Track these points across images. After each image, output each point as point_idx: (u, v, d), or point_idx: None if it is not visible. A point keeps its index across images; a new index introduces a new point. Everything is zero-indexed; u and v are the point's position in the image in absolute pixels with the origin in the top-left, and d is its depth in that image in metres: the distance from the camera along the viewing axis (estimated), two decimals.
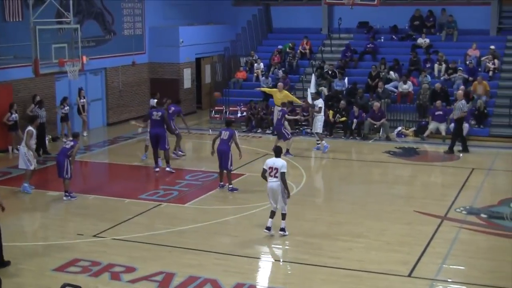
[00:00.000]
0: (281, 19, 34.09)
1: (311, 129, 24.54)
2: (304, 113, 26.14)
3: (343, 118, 25.46)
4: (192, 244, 13.98)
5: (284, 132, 22.02)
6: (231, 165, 18.16)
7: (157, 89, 30.27)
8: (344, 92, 27.61)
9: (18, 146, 23.07)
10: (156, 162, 20.33)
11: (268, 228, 14.35)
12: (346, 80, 28.25)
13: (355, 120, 25.20)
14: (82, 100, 25.37)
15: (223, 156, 18.09)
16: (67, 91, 25.56)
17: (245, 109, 27.41)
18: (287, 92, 25.51)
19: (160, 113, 20.01)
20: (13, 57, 22.22)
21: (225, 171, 18.22)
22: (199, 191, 18.41)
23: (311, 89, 27.88)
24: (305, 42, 31.46)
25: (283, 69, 30.20)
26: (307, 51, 31.30)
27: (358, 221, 15.66)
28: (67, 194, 17.38)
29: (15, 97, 23.44)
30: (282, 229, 14.40)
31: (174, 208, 16.86)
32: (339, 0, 27.61)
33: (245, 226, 15.36)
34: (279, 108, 23.50)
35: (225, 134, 18.27)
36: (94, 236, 14.59)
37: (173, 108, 21.97)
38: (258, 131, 26.38)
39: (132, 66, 29.81)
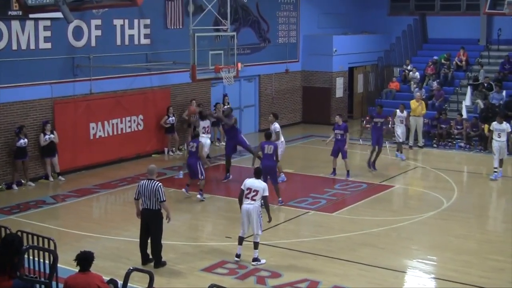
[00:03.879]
0: (437, 29, 33.31)
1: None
2: (458, 127, 25.45)
3: None
4: (338, 254, 13.97)
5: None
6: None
7: (308, 97, 30.58)
8: (501, 105, 26.59)
9: (173, 149, 24.08)
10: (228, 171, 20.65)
11: (238, 256, 13.41)
12: (504, 93, 27.23)
13: None
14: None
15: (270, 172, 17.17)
16: (221, 97, 26.19)
17: None
18: (423, 103, 25.85)
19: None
20: (172, 63, 23.13)
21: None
22: (347, 200, 18.35)
23: (466, 102, 27.17)
24: (461, 53, 30.61)
25: (437, 80, 29.55)
26: (463, 62, 30.44)
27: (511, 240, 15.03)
28: (201, 193, 18.10)
29: (173, 101, 24.37)
30: (256, 259, 13.27)
31: (321, 217, 16.87)
32: (499, 10, 26.78)
33: (393, 238, 15.16)
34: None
35: (268, 149, 17.40)
36: None
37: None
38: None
39: (285, 73, 30.20)
